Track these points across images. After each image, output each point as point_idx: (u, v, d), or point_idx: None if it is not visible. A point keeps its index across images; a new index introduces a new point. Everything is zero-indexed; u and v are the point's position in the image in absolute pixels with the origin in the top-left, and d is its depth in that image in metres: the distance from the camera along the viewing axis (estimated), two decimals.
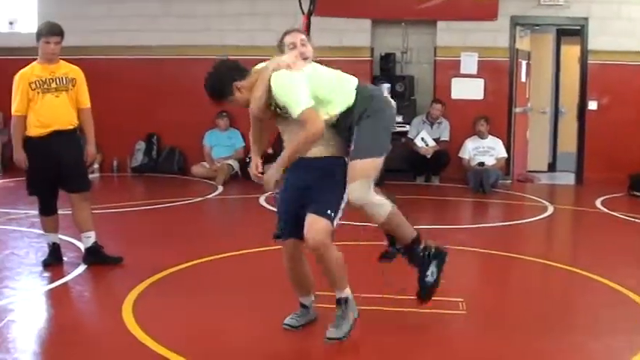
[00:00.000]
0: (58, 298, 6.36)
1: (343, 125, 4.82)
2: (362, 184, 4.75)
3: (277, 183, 4.83)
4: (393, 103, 5.16)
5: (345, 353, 4.81)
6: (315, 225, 4.71)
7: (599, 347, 5.15)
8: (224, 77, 4.80)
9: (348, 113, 4.79)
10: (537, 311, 5.87)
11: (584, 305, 6.28)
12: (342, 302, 4.83)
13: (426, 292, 5.14)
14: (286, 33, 5.29)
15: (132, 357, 4.89)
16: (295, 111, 4.60)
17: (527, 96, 13.94)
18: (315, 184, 4.83)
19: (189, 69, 13.79)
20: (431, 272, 5.09)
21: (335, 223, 4.79)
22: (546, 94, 14.84)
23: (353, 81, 4.93)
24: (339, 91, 4.83)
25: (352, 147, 4.79)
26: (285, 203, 5.05)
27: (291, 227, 4.98)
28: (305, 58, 5.12)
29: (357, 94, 4.82)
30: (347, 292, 4.85)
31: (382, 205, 4.87)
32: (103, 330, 5.59)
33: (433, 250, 5.11)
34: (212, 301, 5.96)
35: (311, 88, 4.69)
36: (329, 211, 4.75)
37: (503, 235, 9.12)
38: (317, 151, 4.82)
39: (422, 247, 5.08)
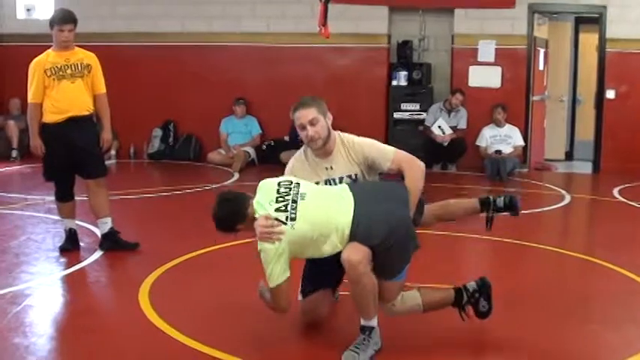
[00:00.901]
0: (74, 284, 6.40)
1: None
2: (393, 306, 4.78)
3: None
4: (420, 177, 4.88)
5: None
6: (355, 247, 4.52)
7: (614, 337, 5.13)
8: (228, 223, 4.73)
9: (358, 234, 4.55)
10: (553, 300, 5.86)
11: (600, 294, 6.26)
12: (366, 331, 4.62)
13: (485, 316, 5.04)
14: (295, 108, 4.94)
15: (148, 342, 4.92)
16: (269, 284, 4.63)
17: (544, 84, 13.88)
18: None
19: (206, 56, 13.85)
20: (482, 305, 5.00)
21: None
22: (564, 83, 14.76)
23: (348, 199, 4.61)
24: (335, 217, 4.55)
25: (377, 265, 4.57)
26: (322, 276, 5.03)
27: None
28: (315, 140, 4.84)
29: (356, 216, 4.54)
30: (374, 322, 4.65)
31: (413, 307, 4.86)
32: (120, 315, 5.63)
33: (477, 293, 4.99)
34: (228, 287, 5.98)
35: (297, 243, 4.56)
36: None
37: (520, 224, 9.03)
38: None
39: (465, 300, 4.98)
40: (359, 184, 4.91)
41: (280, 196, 4.61)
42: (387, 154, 4.93)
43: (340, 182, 4.92)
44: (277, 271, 4.56)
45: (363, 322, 4.65)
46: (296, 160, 5.11)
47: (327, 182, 4.94)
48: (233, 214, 4.69)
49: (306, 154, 5.05)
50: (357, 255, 4.48)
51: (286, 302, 4.70)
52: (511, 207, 5.42)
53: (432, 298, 4.92)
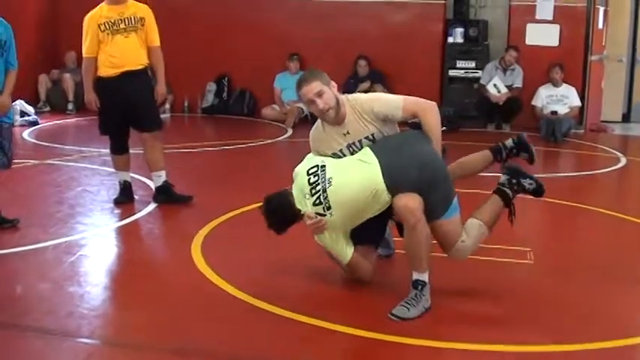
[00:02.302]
0: (128, 235, 6.49)
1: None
2: (462, 242, 4.82)
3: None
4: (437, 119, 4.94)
5: None
6: (409, 195, 4.61)
7: None
8: (287, 226, 5.04)
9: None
10: (606, 263, 5.79)
11: None
12: (418, 285, 4.65)
13: (539, 191, 5.08)
14: (299, 86, 4.98)
15: (199, 293, 4.97)
16: (342, 262, 4.93)
17: (603, 43, 13.61)
18: None
19: (261, 10, 13.79)
20: (528, 184, 5.03)
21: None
22: (623, 42, 14.46)
23: (371, 161, 4.73)
24: (369, 184, 4.68)
25: (430, 204, 4.65)
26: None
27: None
28: (326, 110, 4.88)
29: (385, 174, 4.67)
30: (426, 276, 4.67)
31: (480, 232, 4.90)
32: (172, 267, 5.69)
33: (514, 179, 5.02)
34: (279, 241, 5.98)
35: (345, 222, 4.81)
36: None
37: (574, 186, 8.99)
38: None
39: (512, 195, 5.03)
40: (379, 141, 4.93)
41: (313, 187, 4.78)
42: (395, 104, 4.94)
43: (361, 144, 4.94)
44: (341, 250, 4.85)
45: (415, 275, 4.67)
46: (315, 133, 5.14)
47: (349, 147, 4.96)
48: (285, 220, 4.99)
49: (323, 125, 5.06)
50: (413, 202, 4.58)
51: (365, 271, 4.95)
52: (520, 144, 5.33)
53: (487, 213, 4.96)
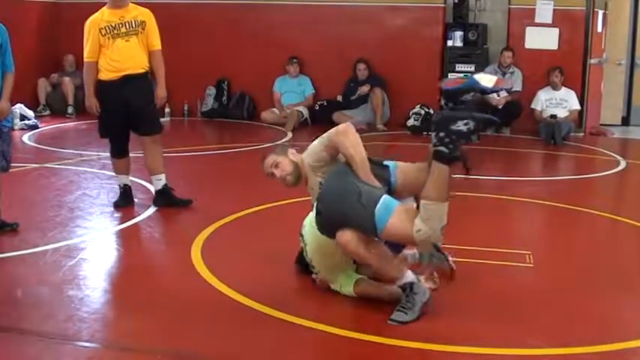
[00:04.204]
0: (128, 239, 6.48)
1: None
2: (419, 231, 4.44)
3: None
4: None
5: None
6: (341, 232, 4.60)
7: None
8: None
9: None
10: (606, 266, 5.78)
11: None
12: (406, 288, 4.64)
13: (489, 123, 4.74)
14: (262, 166, 5.33)
15: (199, 297, 4.97)
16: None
17: (602, 47, 13.62)
18: None
19: (260, 14, 13.80)
20: (463, 124, 4.39)
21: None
22: (622, 45, 14.46)
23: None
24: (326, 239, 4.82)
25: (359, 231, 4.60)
26: None
27: None
28: (285, 177, 5.21)
29: (320, 227, 4.80)
30: (408, 277, 4.64)
31: (435, 216, 4.41)
32: (172, 270, 5.70)
33: (447, 128, 4.36)
34: (279, 245, 6.00)
35: (335, 270, 4.98)
36: None
37: (574, 189, 8.99)
38: None
39: (453, 150, 4.34)
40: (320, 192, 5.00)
41: (305, 256, 5.06)
42: (317, 147, 5.11)
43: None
44: (347, 292, 4.91)
45: (397, 283, 4.69)
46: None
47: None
48: None
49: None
50: (342, 237, 4.60)
51: (375, 295, 4.85)
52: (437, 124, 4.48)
53: (431, 187, 4.43)
